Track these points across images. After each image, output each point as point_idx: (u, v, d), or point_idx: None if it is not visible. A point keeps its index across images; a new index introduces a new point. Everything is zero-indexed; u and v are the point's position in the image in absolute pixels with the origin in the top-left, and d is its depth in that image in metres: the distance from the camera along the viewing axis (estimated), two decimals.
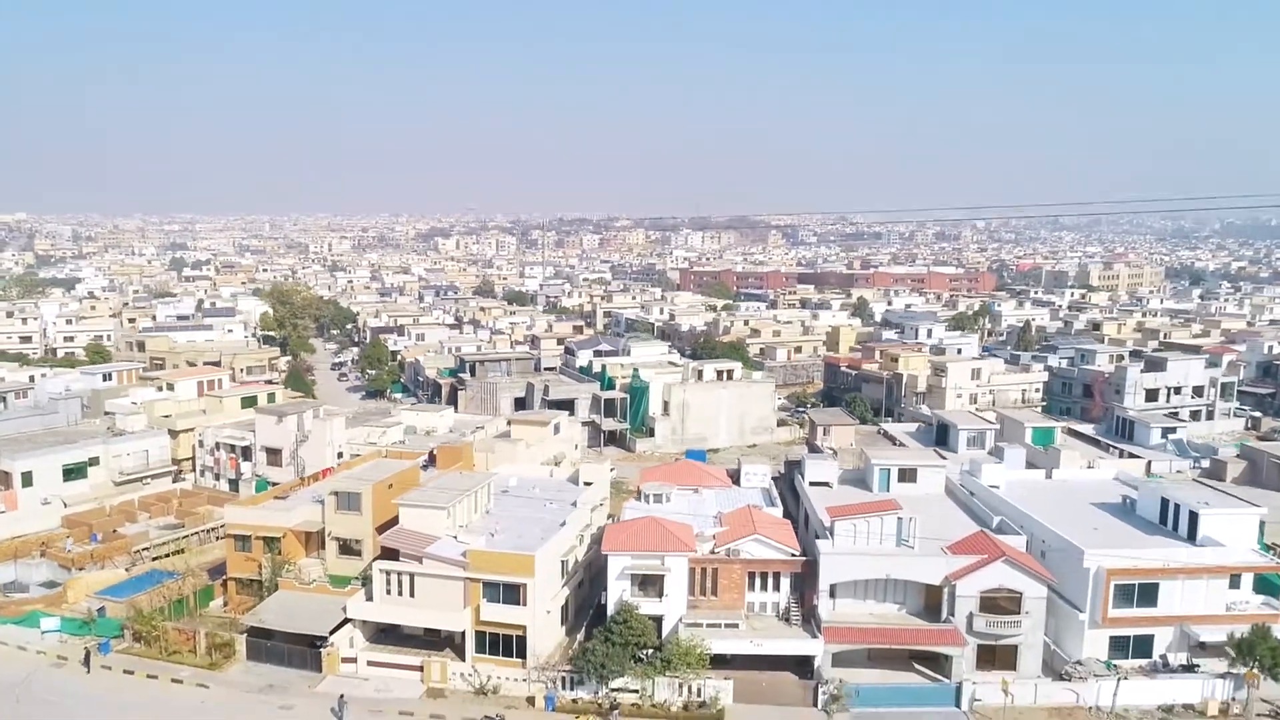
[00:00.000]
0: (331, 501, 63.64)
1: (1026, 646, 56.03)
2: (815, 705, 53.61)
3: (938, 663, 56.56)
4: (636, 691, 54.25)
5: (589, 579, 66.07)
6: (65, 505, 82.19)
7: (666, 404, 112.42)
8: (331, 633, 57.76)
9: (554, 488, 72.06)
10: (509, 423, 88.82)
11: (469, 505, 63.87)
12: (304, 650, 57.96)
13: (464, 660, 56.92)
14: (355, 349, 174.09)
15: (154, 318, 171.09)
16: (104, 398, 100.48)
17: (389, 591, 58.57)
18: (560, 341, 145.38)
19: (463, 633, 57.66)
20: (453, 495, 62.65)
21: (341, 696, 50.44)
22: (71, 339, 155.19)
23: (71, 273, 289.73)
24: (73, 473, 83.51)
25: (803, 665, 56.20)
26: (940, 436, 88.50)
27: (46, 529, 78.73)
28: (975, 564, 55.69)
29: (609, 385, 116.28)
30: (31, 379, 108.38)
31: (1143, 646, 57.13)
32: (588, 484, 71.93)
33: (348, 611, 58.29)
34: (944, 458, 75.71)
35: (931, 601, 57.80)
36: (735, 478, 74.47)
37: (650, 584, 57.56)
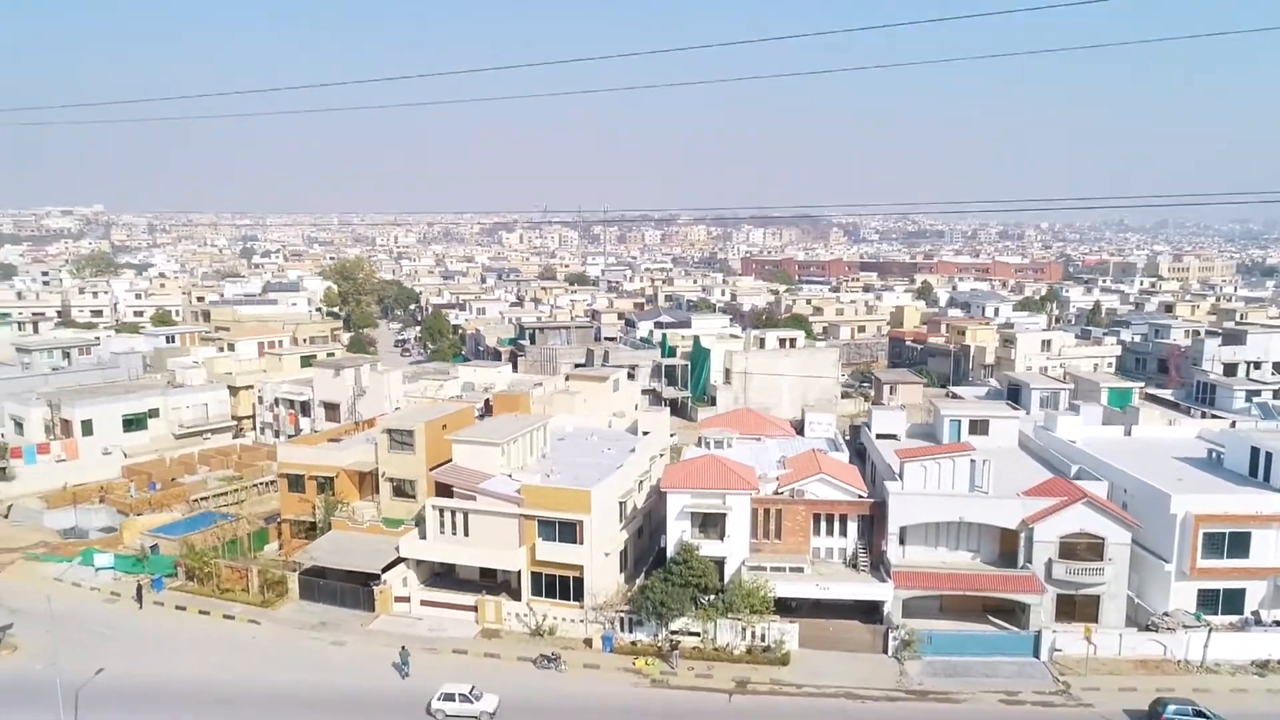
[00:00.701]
0: (384, 441, 62.13)
1: (1109, 596, 52.21)
2: (885, 652, 50.53)
3: (1014, 615, 53.02)
4: (698, 634, 51.69)
5: (649, 530, 63.69)
6: (126, 456, 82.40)
7: (728, 372, 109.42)
8: (384, 571, 56.22)
9: (612, 436, 69.82)
10: (567, 379, 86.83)
11: (524, 446, 61.86)
12: (357, 589, 56.51)
13: (519, 602, 54.95)
14: (417, 327, 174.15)
15: (221, 295, 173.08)
16: (166, 356, 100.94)
17: (442, 530, 56.81)
18: (621, 316, 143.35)
19: (518, 574, 55.66)
20: (508, 434, 60.71)
21: (403, 648, 48.70)
22: (140, 314, 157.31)
23: (144, 259, 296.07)
24: (132, 424, 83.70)
25: (870, 614, 53.12)
26: (1011, 397, 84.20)
27: (107, 478, 78.82)
28: (1054, 506, 52.02)
29: (670, 354, 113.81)
30: (97, 339, 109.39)
31: (1233, 601, 52.94)
32: (646, 433, 69.53)
33: (400, 550, 56.68)
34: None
35: (1006, 549, 54.24)
36: (799, 429, 71.44)
37: (711, 525, 54.90)
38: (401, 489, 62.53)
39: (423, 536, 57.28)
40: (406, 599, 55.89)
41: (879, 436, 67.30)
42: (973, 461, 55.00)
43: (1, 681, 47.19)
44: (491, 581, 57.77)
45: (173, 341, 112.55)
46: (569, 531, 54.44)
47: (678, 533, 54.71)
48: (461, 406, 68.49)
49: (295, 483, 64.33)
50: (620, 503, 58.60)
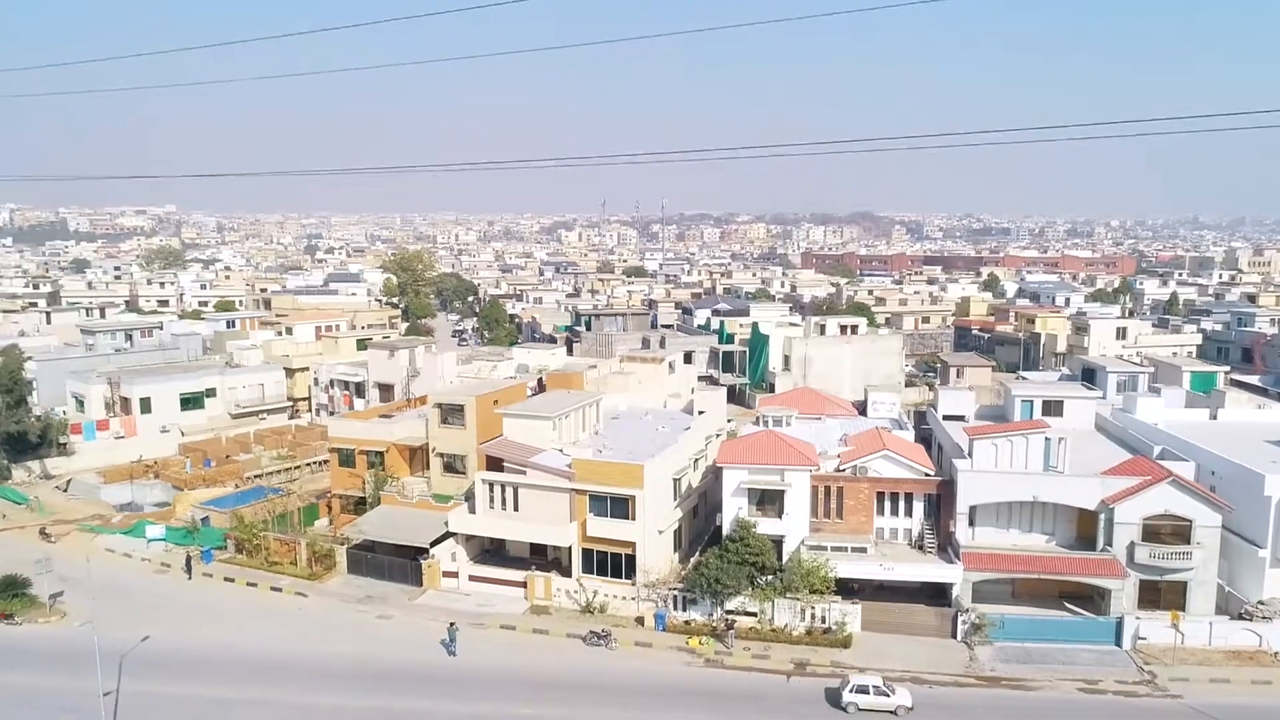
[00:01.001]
0: (435, 415, 61.02)
1: (1198, 583, 48.74)
2: (954, 636, 47.80)
3: (1092, 602, 49.89)
4: (754, 615, 49.52)
5: (705, 512, 61.68)
6: (183, 434, 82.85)
7: (787, 358, 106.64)
8: (432, 546, 55.06)
9: (666, 416, 67.85)
10: (621, 360, 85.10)
11: (576, 421, 60.30)
12: (405, 564, 55.45)
13: (569, 579, 53.32)
14: (475, 318, 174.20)
15: (283, 286, 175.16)
16: (225, 339, 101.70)
17: (492, 504, 55.48)
18: (678, 305, 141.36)
19: (568, 550, 54.07)
20: (559, 409, 59.22)
21: (452, 624, 47.32)
22: (205, 304, 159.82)
23: (212, 255, 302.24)
24: (190, 402, 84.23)
25: (936, 597, 50.42)
26: (1086, 380, 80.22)
27: (164, 456, 79.22)
28: (1137, 486, 48.77)
29: (728, 340, 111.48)
30: (160, 323, 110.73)
31: None
32: (701, 413, 67.48)
33: (449, 524, 55.45)
34: None
35: (1083, 532, 51.11)
36: (861, 410, 68.75)
37: (769, 502, 52.63)
38: (452, 465, 61.40)
39: (472, 511, 56.03)
40: (455, 574, 54.66)
41: (946, 418, 64.29)
42: (1047, 439, 51.98)
43: (49, 646, 46.94)
44: (541, 559, 56.27)
45: (233, 326, 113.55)
46: (621, 507, 52.68)
47: (734, 510, 52.55)
48: (514, 384, 67.20)
49: (345, 458, 63.65)
50: (674, 479, 56.70)
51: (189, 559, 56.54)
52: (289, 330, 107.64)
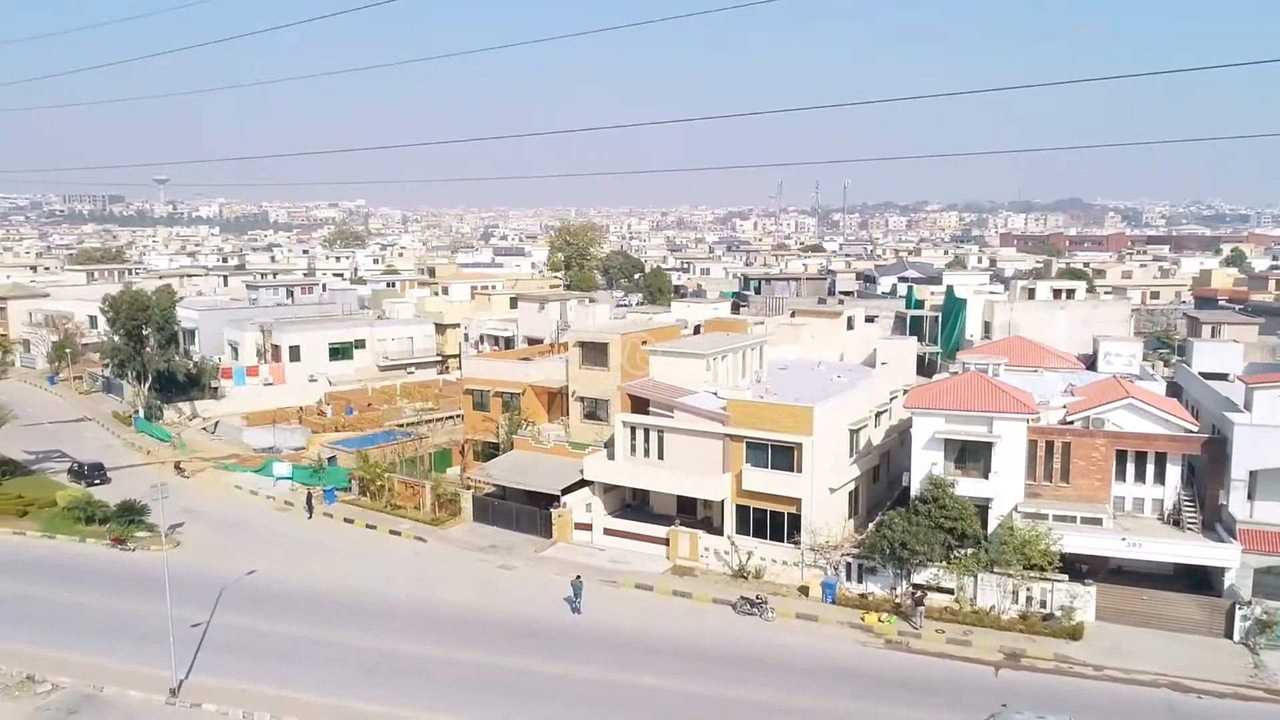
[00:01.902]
0: (576, 355, 54.78)
1: None
2: (1228, 635, 36.90)
3: None
4: (949, 591, 40.25)
5: (887, 477, 52.70)
6: (331, 384, 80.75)
7: (988, 325, 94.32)
8: (564, 494, 48.73)
9: (843, 367, 58.85)
10: (793, 314, 76.52)
11: (734, 364, 52.59)
12: (534, 513, 49.44)
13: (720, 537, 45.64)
14: (640, 293, 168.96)
15: (451, 261, 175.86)
16: (381, 298, 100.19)
17: (633, 450, 48.53)
18: (859, 276, 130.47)
19: (720, 506, 46.43)
20: (716, 348, 51.68)
21: (578, 578, 40.71)
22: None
23: (392, 240, 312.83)
24: (339, 353, 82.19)
25: (1197, 586, 39.53)
26: None
27: (309, 404, 77.30)
28: None
29: (916, 306, 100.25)
30: (323, 284, 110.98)
31: None
32: (884, 364, 58.26)
33: (584, 471, 48.97)
34: None
35: None
36: (1089, 364, 57.51)
37: (971, 458, 43.06)
38: (593, 411, 54.99)
39: (611, 459, 49.33)
40: (588, 526, 48.09)
41: (1203, 376, 52.23)
42: None
43: (155, 573, 43.53)
44: (689, 517, 48.80)
45: (392, 287, 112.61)
46: (784, 457, 44.53)
47: (925, 466, 43.29)
48: (667, 325, 60.15)
49: (480, 400, 58.57)
50: (851, 431, 47.98)
51: (309, 497, 52.80)
52: (445, 290, 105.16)
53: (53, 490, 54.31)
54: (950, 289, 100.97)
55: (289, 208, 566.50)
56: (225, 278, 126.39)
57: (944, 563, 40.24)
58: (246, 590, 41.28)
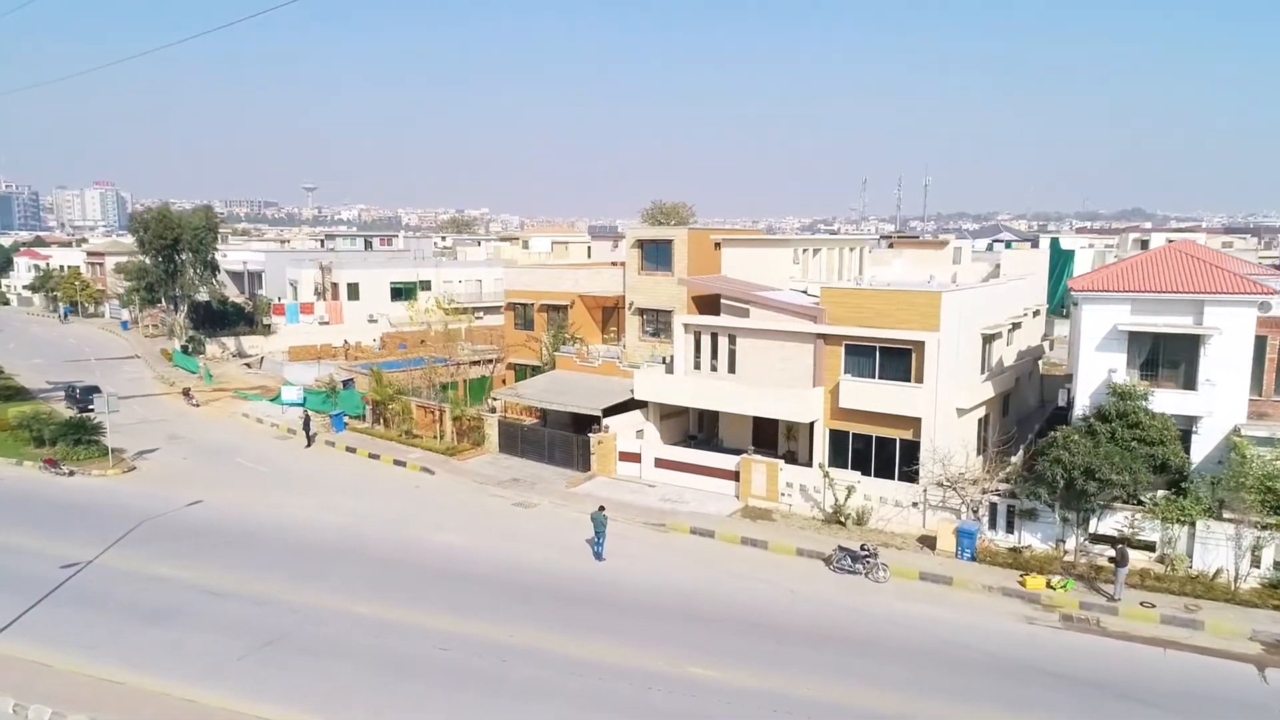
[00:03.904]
0: (634, 258, 40.50)
1: None
2: None
3: None
4: (1149, 547, 24.47)
5: (1016, 414, 36.96)
6: (392, 325, 68.40)
7: None
8: (611, 414, 34.49)
9: (958, 279, 43.10)
10: (890, 244, 60.61)
11: (828, 261, 37.65)
12: (570, 441, 35.30)
13: (808, 468, 30.60)
14: None
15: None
16: (459, 247, 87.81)
17: (698, 362, 34.02)
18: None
19: (809, 432, 31.54)
20: (803, 242, 36.70)
21: (599, 511, 26.14)
22: None
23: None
24: (402, 293, 69.66)
25: None
26: None
27: (364, 344, 65.07)
28: None
29: None
30: (402, 236, 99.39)
31: None
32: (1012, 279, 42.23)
33: (635, 390, 34.57)
34: None
35: None
36: None
37: (1168, 361, 27.05)
38: (653, 325, 40.59)
39: (669, 373, 34.88)
40: (636, 457, 33.59)
41: None
42: None
43: (77, 501, 31.07)
44: (769, 451, 33.93)
45: (479, 246, 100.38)
46: (898, 364, 29.40)
47: (1099, 373, 27.45)
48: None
49: (523, 317, 44.87)
50: (984, 336, 32.37)
51: (307, 420, 39.78)
52: (525, 244, 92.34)
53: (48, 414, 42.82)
54: (1055, 240, 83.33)
55: (420, 212, 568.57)
56: (322, 241, 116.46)
57: (1138, 503, 24.47)
58: (171, 526, 28.10)
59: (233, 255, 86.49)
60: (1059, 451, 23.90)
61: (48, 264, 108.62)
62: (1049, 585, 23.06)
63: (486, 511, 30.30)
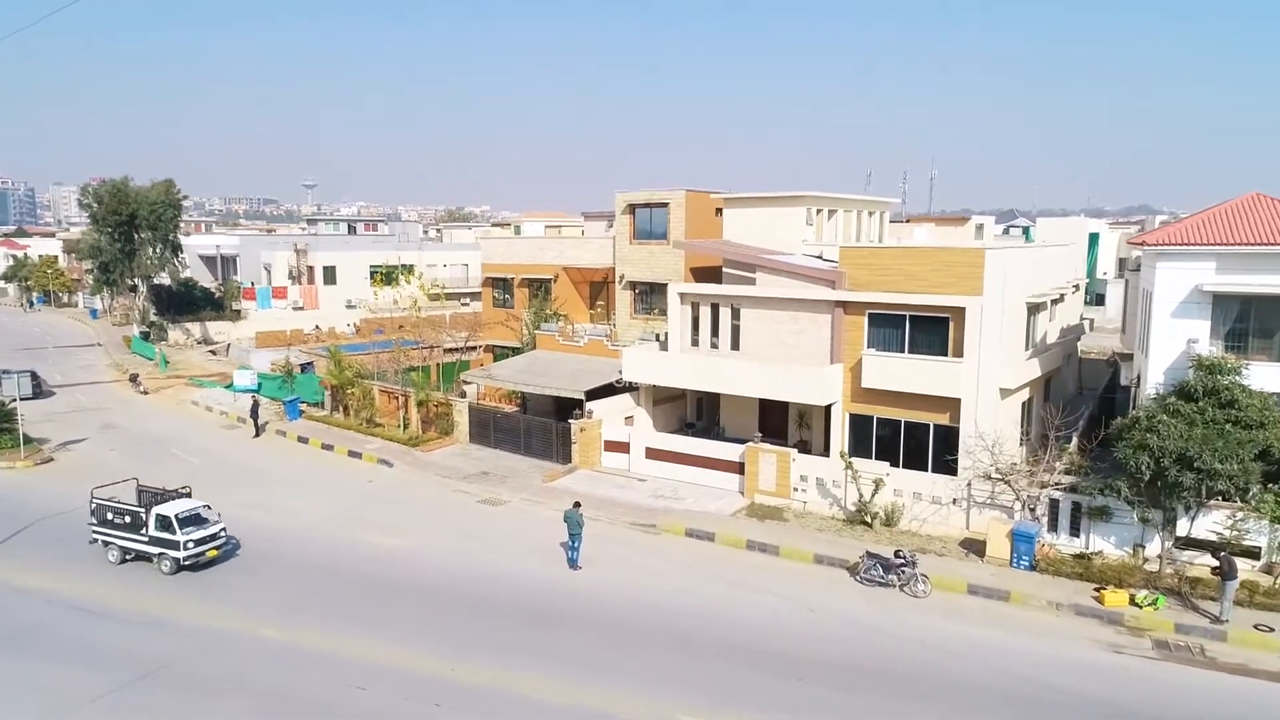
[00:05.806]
0: (625, 226, 35.99)
1: None
2: None
3: None
4: (1254, 552, 19.79)
5: (1057, 397, 32.17)
6: (371, 311, 63.78)
7: (1122, 263, 71.81)
8: (594, 397, 29.91)
9: None
10: (907, 220, 55.99)
11: (846, 225, 33.03)
12: (548, 429, 30.62)
13: (825, 458, 25.90)
14: None
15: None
16: (449, 232, 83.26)
17: (696, 338, 29.39)
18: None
19: (825, 417, 26.92)
20: (817, 201, 32.12)
21: (573, 508, 21.50)
22: None
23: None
24: (382, 278, 65.05)
25: None
26: None
27: (338, 329, 60.52)
28: None
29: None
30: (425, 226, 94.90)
31: None
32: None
33: (623, 370, 29.91)
34: None
35: None
36: None
37: (1259, 330, 22.39)
38: (646, 301, 36.08)
39: (664, 350, 30.29)
40: (624, 447, 28.94)
41: None
42: None
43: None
44: (779, 442, 29.22)
45: (466, 229, 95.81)
46: (932, 335, 24.77)
47: (1176, 343, 22.77)
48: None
49: (502, 295, 40.36)
50: (1029, 306, 27.68)
51: (255, 406, 35.14)
52: (518, 229, 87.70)
53: None
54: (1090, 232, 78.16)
55: (419, 209, 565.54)
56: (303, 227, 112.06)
57: (1242, 500, 19.78)
58: (63, 528, 23.28)
59: (207, 239, 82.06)
60: (1144, 435, 19.19)
61: (25, 254, 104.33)
62: (1133, 602, 18.39)
63: (446, 510, 25.67)
